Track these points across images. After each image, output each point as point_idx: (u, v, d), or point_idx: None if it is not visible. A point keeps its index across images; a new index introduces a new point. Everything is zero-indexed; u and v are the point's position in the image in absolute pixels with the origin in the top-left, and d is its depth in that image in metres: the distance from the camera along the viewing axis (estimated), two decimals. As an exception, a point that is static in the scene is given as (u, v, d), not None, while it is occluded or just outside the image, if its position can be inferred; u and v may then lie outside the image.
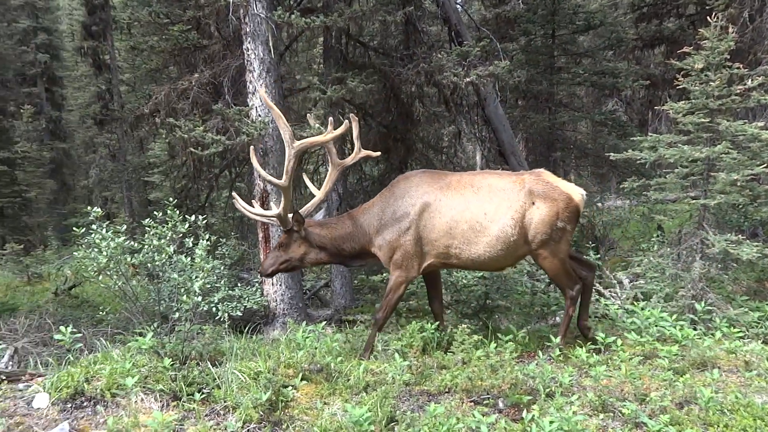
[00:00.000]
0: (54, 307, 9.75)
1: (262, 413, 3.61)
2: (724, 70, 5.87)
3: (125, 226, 6.15)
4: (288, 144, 5.03)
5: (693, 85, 6.01)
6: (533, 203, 4.85)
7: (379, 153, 6.01)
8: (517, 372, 4.05)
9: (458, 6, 11.74)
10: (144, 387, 3.78)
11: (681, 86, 6.17)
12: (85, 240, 5.97)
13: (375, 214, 5.24)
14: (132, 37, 11.80)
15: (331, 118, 5.32)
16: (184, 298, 5.12)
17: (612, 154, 6.60)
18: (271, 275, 5.73)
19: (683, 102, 6.05)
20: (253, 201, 8.24)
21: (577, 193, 4.95)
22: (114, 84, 23.35)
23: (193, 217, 6.24)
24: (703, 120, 5.83)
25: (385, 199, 5.26)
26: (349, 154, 5.69)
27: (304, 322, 5.59)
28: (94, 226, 5.81)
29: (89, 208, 5.94)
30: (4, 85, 22.81)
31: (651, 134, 6.34)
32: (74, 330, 4.36)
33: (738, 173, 5.59)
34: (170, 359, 4.01)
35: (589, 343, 4.87)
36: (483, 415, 3.47)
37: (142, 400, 3.72)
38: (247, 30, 8.04)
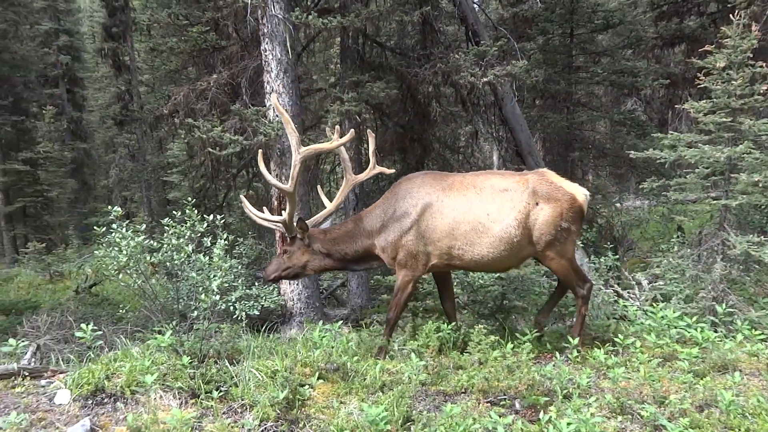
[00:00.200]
0: (75, 304, 9.88)
1: (279, 411, 3.63)
2: (746, 69, 5.79)
3: (144, 226, 6.21)
4: (294, 150, 5.05)
5: (714, 84, 5.93)
6: (537, 203, 4.81)
7: (393, 171, 6.04)
8: (534, 373, 4.03)
9: (475, 5, 11.69)
10: (163, 384, 3.81)
11: (702, 85, 6.09)
12: (106, 239, 6.04)
13: (377, 216, 5.25)
14: (151, 39, 11.92)
15: (337, 126, 5.36)
16: (203, 296, 5.17)
17: (632, 152, 6.54)
18: (273, 281, 5.75)
19: (704, 101, 5.98)
20: (272, 200, 8.34)
21: (581, 194, 4.91)
22: (134, 85, 23.64)
23: (211, 217, 6.29)
24: (724, 119, 5.75)
25: (387, 200, 5.27)
26: (364, 169, 5.69)
27: (321, 322, 5.61)
28: (114, 225, 5.88)
29: (109, 207, 6.01)
30: (26, 86, 23.17)
31: (671, 133, 6.26)
32: (95, 327, 4.42)
33: (760, 174, 5.51)
34: (189, 357, 4.05)
35: (535, 331, 4.91)
36: (499, 416, 3.45)
37: (161, 397, 3.75)
38: (265, 31, 8.09)
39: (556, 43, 12.92)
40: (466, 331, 4.97)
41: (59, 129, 25.76)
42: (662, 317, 5.02)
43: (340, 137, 5.29)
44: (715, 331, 5.08)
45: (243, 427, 3.52)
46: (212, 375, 3.94)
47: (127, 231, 5.87)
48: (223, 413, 3.68)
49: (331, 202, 5.63)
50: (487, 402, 3.93)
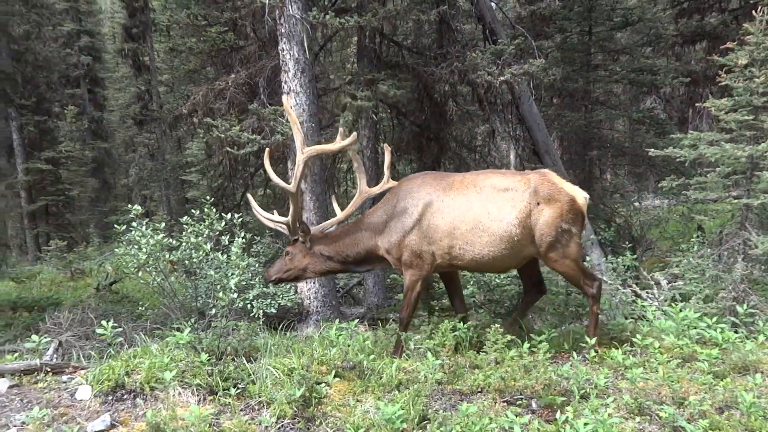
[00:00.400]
0: (96, 302, 10.02)
1: (295, 409, 3.65)
2: (768, 66, 5.70)
3: (164, 224, 6.27)
4: (299, 150, 5.07)
5: (736, 82, 5.84)
6: (538, 203, 4.80)
7: None
8: (550, 373, 4.00)
9: (493, 4, 11.63)
10: (181, 381, 3.85)
11: (723, 83, 6.00)
12: (126, 237, 6.11)
13: (379, 217, 5.25)
14: (171, 39, 12.03)
15: (341, 129, 5.36)
16: (220, 294, 5.21)
17: (651, 150, 6.46)
18: (275, 283, 5.78)
19: (726, 99, 5.89)
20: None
21: (581, 196, 4.90)
22: (153, 85, 23.91)
23: (229, 215, 6.33)
24: (746, 117, 5.67)
25: (388, 201, 5.27)
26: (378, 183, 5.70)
27: (337, 320, 5.62)
28: (134, 224, 5.95)
29: (129, 206, 6.08)
30: (49, 86, 23.52)
31: (691, 132, 6.19)
32: (115, 324, 4.48)
33: (783, 172, 5.42)
34: (207, 354, 4.09)
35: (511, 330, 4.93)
36: (516, 416, 3.44)
37: (180, 393, 3.80)
38: (283, 31, 8.12)
39: (575, 41, 12.80)
40: (481, 331, 4.94)
41: (80, 129, 26.12)
42: (683, 318, 4.96)
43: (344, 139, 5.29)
44: (736, 332, 5.00)
45: (260, 424, 3.54)
46: (230, 372, 3.98)
47: (146, 229, 5.94)
48: (241, 410, 3.71)
49: (342, 212, 5.64)
50: (504, 401, 3.91)
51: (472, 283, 6.85)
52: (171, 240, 6.18)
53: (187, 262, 6.16)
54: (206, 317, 5.93)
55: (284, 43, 8.15)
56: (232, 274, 6.12)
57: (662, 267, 7.20)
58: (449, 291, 5.58)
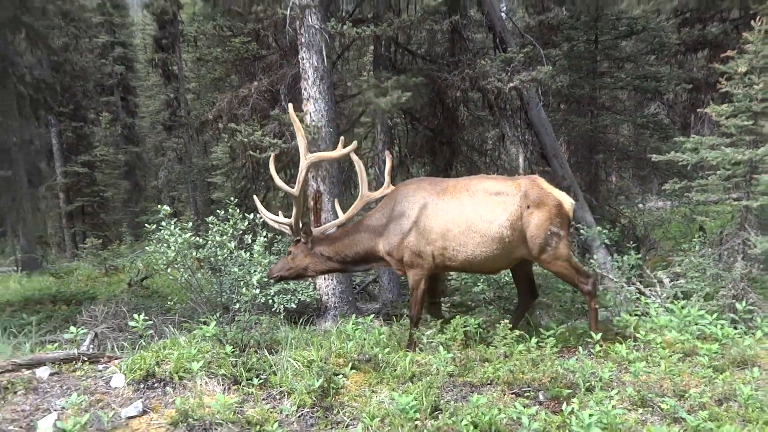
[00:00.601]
0: (128, 296, 10.12)
1: (314, 399, 3.68)
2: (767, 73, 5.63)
3: (191, 224, 6.35)
4: (302, 156, 5.09)
5: (736, 88, 5.78)
6: (528, 207, 4.83)
7: None
8: (557, 366, 4.00)
9: (503, 14, 11.57)
10: (208, 371, 3.90)
11: (724, 89, 5.94)
12: (156, 236, 6.19)
13: (377, 220, 5.28)
14: (198, 49, 12.14)
15: (342, 138, 5.39)
16: (244, 290, 5.26)
17: (654, 155, 6.41)
18: (277, 280, 5.81)
19: (726, 105, 5.83)
20: (308, 200, 8.40)
21: (568, 202, 4.94)
22: (181, 92, 24.12)
23: (252, 216, 6.39)
24: (746, 122, 5.61)
25: (386, 205, 5.29)
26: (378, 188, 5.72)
27: (354, 315, 5.64)
28: (163, 223, 6.02)
29: (159, 206, 6.16)
30: (85, 95, 23.85)
31: (693, 136, 6.13)
32: (146, 318, 4.55)
33: (781, 175, 5.35)
34: (231, 346, 4.14)
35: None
36: (524, 407, 3.44)
37: (206, 383, 3.84)
38: (303, 40, 8.16)
39: (581, 49, 12.68)
40: (490, 327, 4.94)
41: (114, 134, 26.45)
42: (685, 314, 4.92)
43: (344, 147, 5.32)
44: (735, 328, 4.96)
45: (281, 412, 3.58)
46: (253, 363, 4.02)
47: (175, 228, 6.01)
48: (263, 399, 3.75)
49: (343, 214, 5.67)
50: (512, 393, 3.91)
51: (482, 280, 6.84)
52: (197, 238, 6.25)
53: (212, 259, 6.23)
54: (230, 311, 5.99)
55: (304, 52, 8.18)
56: (255, 271, 6.18)
57: (665, 266, 7.14)
58: (428, 297, 5.53)
